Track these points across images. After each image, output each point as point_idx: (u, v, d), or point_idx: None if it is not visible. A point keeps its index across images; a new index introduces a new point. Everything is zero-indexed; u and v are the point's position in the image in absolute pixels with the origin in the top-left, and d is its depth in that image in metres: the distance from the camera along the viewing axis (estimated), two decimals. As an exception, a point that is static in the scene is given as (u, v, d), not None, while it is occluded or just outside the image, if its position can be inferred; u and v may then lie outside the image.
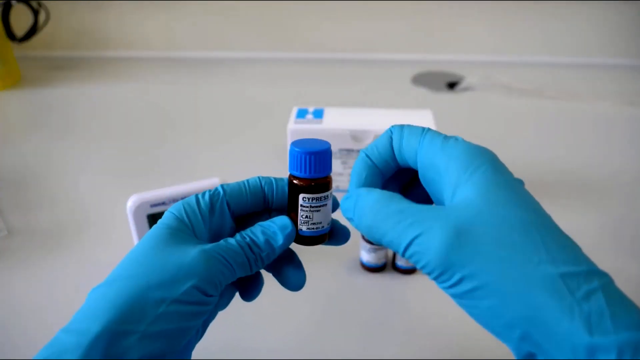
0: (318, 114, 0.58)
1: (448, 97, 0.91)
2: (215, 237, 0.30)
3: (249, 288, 0.33)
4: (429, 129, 0.28)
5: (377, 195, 0.27)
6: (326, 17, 1.02)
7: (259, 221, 0.31)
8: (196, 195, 0.31)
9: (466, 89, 0.93)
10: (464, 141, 0.27)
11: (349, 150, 0.56)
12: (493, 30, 1.02)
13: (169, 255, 0.27)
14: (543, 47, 1.03)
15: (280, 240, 0.30)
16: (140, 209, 0.46)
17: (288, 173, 0.31)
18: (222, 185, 0.31)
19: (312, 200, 0.30)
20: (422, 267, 0.25)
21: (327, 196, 0.30)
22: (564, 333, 0.21)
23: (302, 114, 0.58)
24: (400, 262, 0.50)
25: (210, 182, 0.48)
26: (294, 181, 0.30)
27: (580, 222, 0.58)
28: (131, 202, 0.46)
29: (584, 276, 0.22)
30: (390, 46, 1.05)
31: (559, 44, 1.02)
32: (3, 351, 0.43)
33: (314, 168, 0.29)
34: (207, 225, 0.30)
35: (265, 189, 0.32)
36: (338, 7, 1.00)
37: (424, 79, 0.97)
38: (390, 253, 0.51)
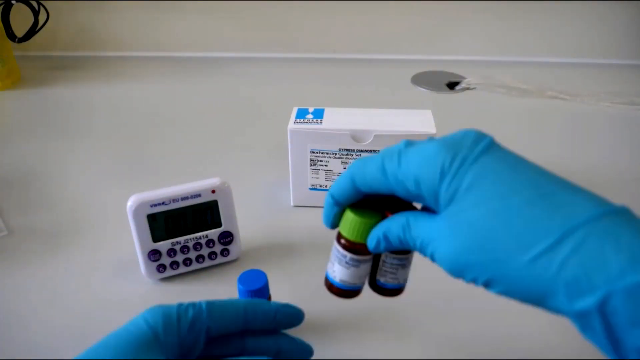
0: (318, 114, 0.58)
1: (448, 97, 0.91)
2: (183, 354, 0.30)
3: None
4: (382, 159, 0.28)
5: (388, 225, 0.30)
6: (326, 17, 1.02)
7: (231, 341, 0.31)
8: (178, 308, 0.30)
9: (466, 89, 0.93)
10: (414, 155, 0.27)
11: (349, 150, 0.56)
12: (493, 30, 1.02)
13: None
14: (543, 47, 1.03)
15: None
16: (140, 209, 0.46)
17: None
18: (206, 304, 0.31)
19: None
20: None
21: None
22: (552, 308, 0.24)
23: (302, 114, 0.58)
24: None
25: (210, 182, 0.48)
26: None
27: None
28: (131, 202, 0.46)
29: (553, 248, 0.23)
30: (390, 46, 1.05)
31: (559, 44, 1.02)
32: (3, 351, 0.43)
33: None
34: (180, 343, 0.29)
35: (248, 311, 0.32)
36: (338, 7, 1.00)
37: (424, 79, 0.97)
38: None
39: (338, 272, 0.33)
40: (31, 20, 0.95)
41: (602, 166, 0.69)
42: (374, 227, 0.31)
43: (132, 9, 1.03)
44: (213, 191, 0.48)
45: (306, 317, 0.46)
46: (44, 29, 0.97)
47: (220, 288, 0.49)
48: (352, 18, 1.02)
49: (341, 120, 0.57)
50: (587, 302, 0.22)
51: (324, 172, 0.58)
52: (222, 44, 1.07)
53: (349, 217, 0.31)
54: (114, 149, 0.75)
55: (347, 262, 0.32)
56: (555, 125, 0.81)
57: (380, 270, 0.33)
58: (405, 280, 0.34)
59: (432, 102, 0.89)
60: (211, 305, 0.31)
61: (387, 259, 0.33)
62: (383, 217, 0.31)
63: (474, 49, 1.04)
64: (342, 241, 0.32)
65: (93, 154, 0.73)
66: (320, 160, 0.58)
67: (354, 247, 0.32)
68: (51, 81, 0.96)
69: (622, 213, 0.23)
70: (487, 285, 0.25)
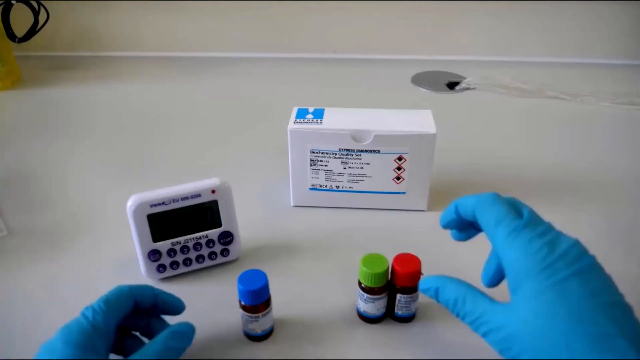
0: (318, 114, 0.58)
1: (448, 97, 0.91)
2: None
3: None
4: (504, 217, 0.34)
5: (453, 296, 0.36)
6: (326, 16, 1.02)
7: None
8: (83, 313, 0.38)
9: (466, 89, 0.93)
10: (531, 237, 0.33)
11: (349, 150, 0.56)
12: (493, 30, 1.02)
13: None
14: (543, 47, 1.03)
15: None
16: (140, 209, 0.46)
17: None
18: (98, 301, 0.39)
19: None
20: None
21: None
22: None
23: (302, 114, 0.58)
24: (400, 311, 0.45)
25: (210, 182, 0.48)
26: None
27: (580, 222, 0.58)
28: (131, 202, 0.46)
29: None
30: (390, 46, 1.05)
31: (559, 43, 1.02)
32: (3, 351, 0.43)
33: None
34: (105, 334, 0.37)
35: (134, 293, 0.40)
36: (338, 7, 1.00)
37: (424, 79, 0.97)
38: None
39: (362, 306, 0.45)
40: (31, 20, 0.95)
41: (602, 166, 0.69)
42: (424, 280, 0.39)
43: (132, 9, 1.03)
44: (213, 191, 0.48)
45: (305, 316, 0.47)
46: (44, 29, 0.97)
47: (220, 288, 0.49)
48: (352, 18, 1.02)
49: (341, 120, 0.57)
50: None
51: (324, 172, 0.58)
52: (222, 44, 1.07)
53: (363, 270, 0.42)
54: (114, 149, 0.75)
55: (365, 299, 0.44)
56: (555, 126, 0.81)
57: (397, 306, 0.44)
58: (416, 309, 0.45)
59: (432, 102, 0.89)
60: (106, 300, 0.39)
61: (402, 298, 0.44)
62: (387, 267, 0.42)
63: (474, 49, 1.04)
64: (362, 285, 0.44)
65: (93, 154, 0.73)
66: (320, 160, 0.58)
67: (369, 290, 0.43)
68: (51, 81, 0.96)
69: None
70: None
